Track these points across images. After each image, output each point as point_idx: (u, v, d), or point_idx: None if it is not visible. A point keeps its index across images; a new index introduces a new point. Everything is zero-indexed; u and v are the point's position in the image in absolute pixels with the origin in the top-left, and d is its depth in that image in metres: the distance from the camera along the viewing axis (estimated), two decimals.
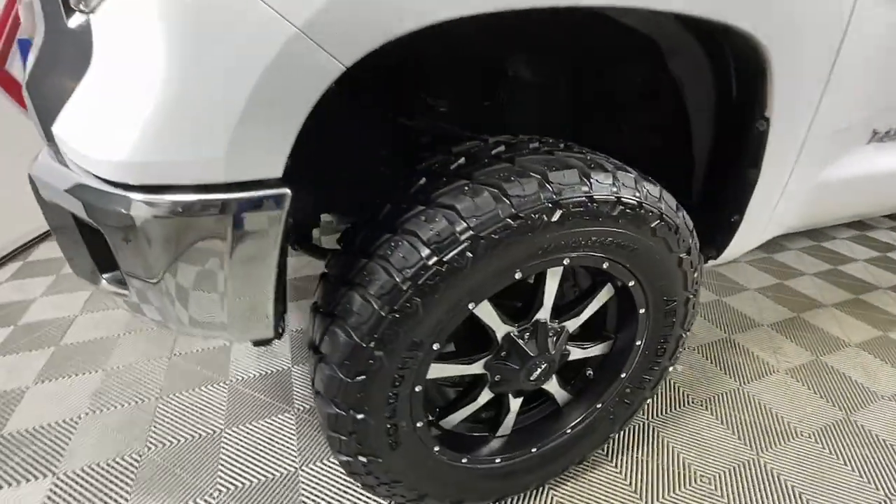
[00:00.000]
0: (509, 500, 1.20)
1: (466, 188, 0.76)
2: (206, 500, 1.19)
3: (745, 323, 1.95)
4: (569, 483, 1.26)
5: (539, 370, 1.01)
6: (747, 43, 0.83)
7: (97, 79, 0.64)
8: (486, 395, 1.04)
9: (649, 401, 1.51)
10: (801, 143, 0.99)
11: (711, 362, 1.72)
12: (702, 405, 1.52)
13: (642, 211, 0.85)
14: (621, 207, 0.82)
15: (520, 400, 1.10)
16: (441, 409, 1.06)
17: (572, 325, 1.05)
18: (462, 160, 0.85)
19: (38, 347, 1.72)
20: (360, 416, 0.82)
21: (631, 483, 1.26)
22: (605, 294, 1.04)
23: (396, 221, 0.78)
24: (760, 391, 1.58)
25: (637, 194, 0.84)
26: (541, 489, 1.23)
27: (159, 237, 0.62)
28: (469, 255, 0.74)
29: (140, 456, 1.31)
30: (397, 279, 0.74)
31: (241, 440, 1.36)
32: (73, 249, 0.76)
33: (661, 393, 1.56)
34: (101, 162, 0.62)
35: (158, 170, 0.59)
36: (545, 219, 0.77)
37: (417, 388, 0.89)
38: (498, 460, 1.10)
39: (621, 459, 1.32)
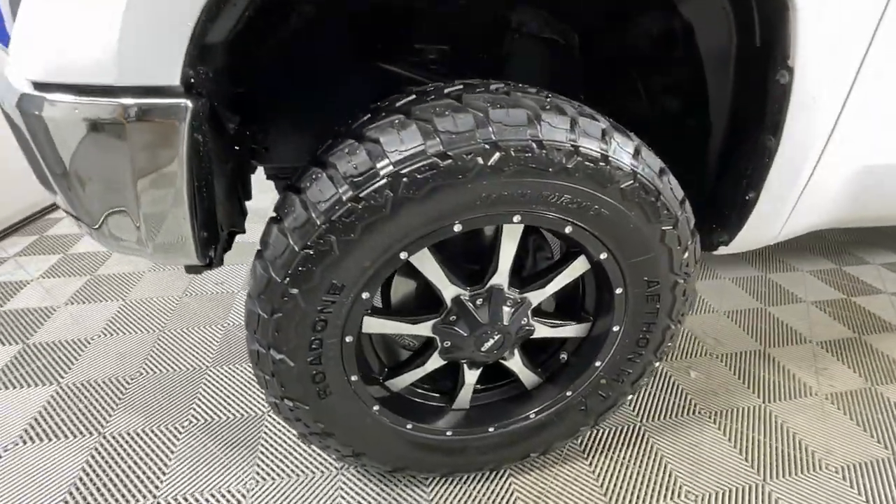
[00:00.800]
0: (462, 478, 1.14)
1: (397, 122, 0.70)
2: (176, 428, 1.25)
3: (790, 337, 1.69)
4: (532, 472, 1.16)
5: (491, 341, 0.93)
6: None
7: None
8: (436, 361, 0.98)
9: (643, 402, 1.36)
10: (840, 106, 0.80)
11: (736, 374, 1.51)
12: (710, 417, 1.34)
13: (608, 167, 0.73)
14: (579, 159, 0.71)
15: (476, 373, 1.02)
16: (390, 369, 1.02)
17: (537, 297, 0.95)
18: (412, 97, 0.78)
19: (77, 274, 1.90)
20: (279, 357, 0.80)
21: (602, 485, 1.13)
22: (577, 267, 0.92)
23: (325, 155, 0.74)
24: (787, 413, 1.36)
25: (603, 146, 0.72)
26: (499, 474, 1.15)
27: (68, 138, 0.63)
28: (389, 193, 0.68)
29: (131, 380, 1.40)
30: (312, 213, 0.69)
31: (221, 379, 1.41)
32: (30, 158, 0.80)
33: (663, 396, 1.39)
34: (23, 63, 0.63)
35: (63, 68, 0.59)
36: (480, 162, 0.68)
37: (349, 339, 0.84)
38: (449, 433, 1.04)
39: (598, 458, 1.20)
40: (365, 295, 0.80)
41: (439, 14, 1.06)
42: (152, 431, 1.24)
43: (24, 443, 1.19)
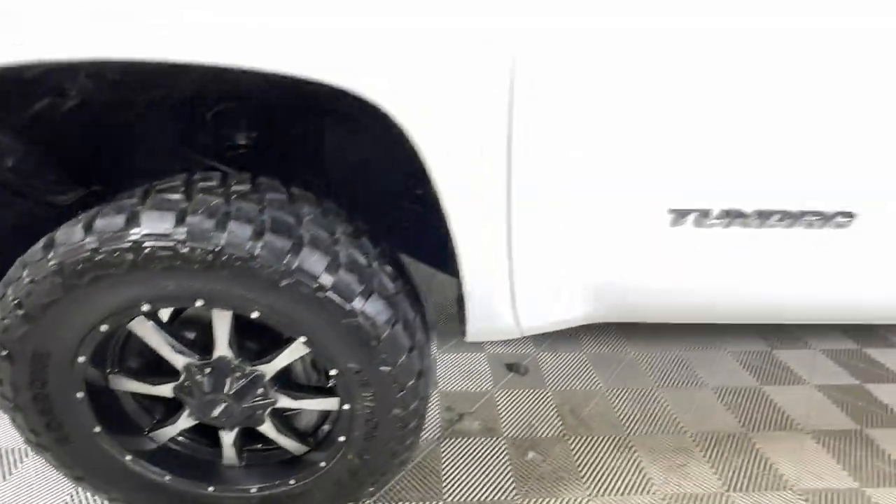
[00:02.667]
0: None
1: (80, 215, 0.83)
2: (26, 450, 1.41)
3: (663, 426, 1.57)
4: None
5: (219, 409, 1.01)
6: None
7: None
8: (186, 421, 1.06)
9: (454, 476, 1.33)
10: (504, 187, 0.82)
11: (581, 460, 1.43)
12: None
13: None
14: (214, 257, 0.80)
15: (232, 434, 1.09)
16: (157, 422, 1.11)
17: (269, 370, 1.01)
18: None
19: None
20: (8, 404, 0.93)
21: None
22: (299, 347, 0.98)
23: None
24: None
25: (251, 244, 0.80)
26: None
27: None
28: (58, 280, 0.80)
29: None
30: (6, 290, 0.84)
31: None
32: None
33: (476, 475, 1.35)
34: None
35: None
36: (127, 257, 0.79)
37: (80, 395, 0.96)
38: (211, 489, 1.11)
39: None
40: (81, 359, 0.92)
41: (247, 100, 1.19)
42: (9, 451, 1.41)
43: None
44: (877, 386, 1.77)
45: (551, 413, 1.62)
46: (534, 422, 1.58)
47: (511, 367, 1.82)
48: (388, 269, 0.98)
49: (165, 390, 1.03)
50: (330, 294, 0.85)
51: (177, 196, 0.85)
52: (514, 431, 1.54)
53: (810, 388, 1.76)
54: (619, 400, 1.69)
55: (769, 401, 1.69)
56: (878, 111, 0.82)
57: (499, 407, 1.64)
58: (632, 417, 1.61)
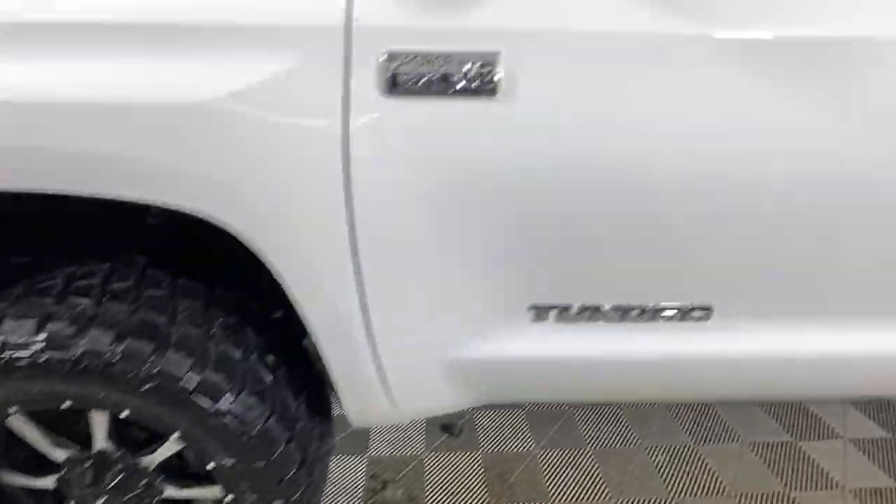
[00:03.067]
0: None
1: None
2: None
3: (644, 485, 1.56)
4: None
5: (102, 499, 1.00)
6: None
7: None
8: None
9: None
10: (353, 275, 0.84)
11: None
12: None
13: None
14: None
15: None
16: None
17: (152, 461, 1.01)
18: None
19: None
20: None
21: None
22: (175, 442, 0.98)
23: None
24: None
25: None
26: None
27: None
28: None
29: None
30: None
31: None
32: None
33: None
34: None
35: None
36: None
37: None
38: None
39: None
40: None
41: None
42: None
43: None
44: (809, 443, 1.77)
45: (479, 478, 1.61)
46: (459, 489, 1.56)
47: (445, 428, 1.81)
48: (270, 358, 1.00)
49: (48, 483, 1.02)
50: (194, 396, 0.86)
51: (48, 299, 0.87)
52: (437, 500, 1.52)
53: (743, 446, 1.76)
54: (550, 462, 1.67)
55: (702, 462, 1.68)
56: (720, 204, 0.84)
57: (426, 473, 1.62)
58: (559, 483, 1.59)
